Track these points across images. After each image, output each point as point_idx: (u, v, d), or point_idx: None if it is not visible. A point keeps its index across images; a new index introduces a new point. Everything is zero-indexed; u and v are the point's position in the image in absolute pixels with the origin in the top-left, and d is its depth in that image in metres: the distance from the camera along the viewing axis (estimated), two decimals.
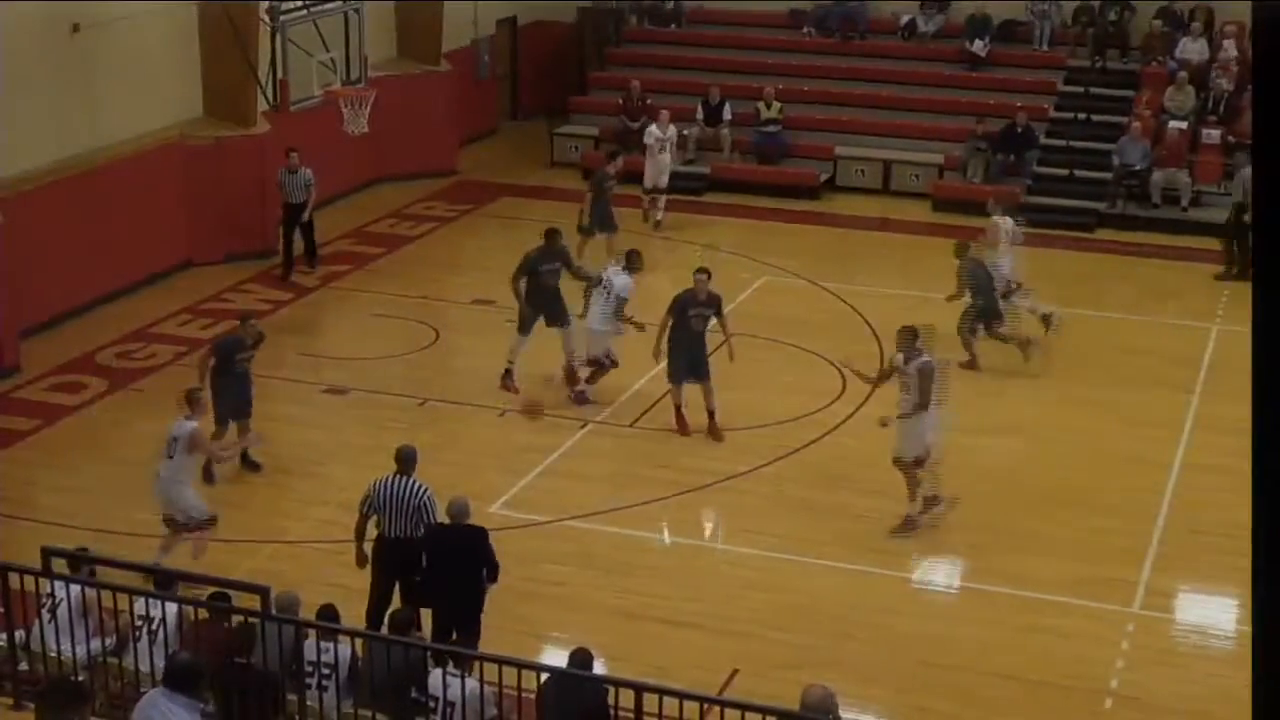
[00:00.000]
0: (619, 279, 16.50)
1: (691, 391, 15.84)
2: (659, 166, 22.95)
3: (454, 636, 10.73)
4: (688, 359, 15.71)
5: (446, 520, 11.32)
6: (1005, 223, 18.48)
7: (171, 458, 12.65)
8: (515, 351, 16.88)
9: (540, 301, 16.70)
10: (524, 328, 16.81)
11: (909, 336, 13.76)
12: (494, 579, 11.29)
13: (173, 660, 8.50)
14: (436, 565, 11.29)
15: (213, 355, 14.68)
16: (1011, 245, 18.38)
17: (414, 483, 11.64)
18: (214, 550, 13.17)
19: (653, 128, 23.20)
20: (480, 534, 11.33)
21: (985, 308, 17.53)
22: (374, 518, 11.73)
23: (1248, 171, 21.78)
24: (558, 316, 16.79)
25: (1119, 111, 24.56)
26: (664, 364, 16.31)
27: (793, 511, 14.35)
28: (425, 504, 11.54)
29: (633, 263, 16.80)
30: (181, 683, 8.11)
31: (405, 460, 11.80)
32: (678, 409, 15.86)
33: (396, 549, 11.57)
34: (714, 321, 15.92)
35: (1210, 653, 12.37)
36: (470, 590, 11.16)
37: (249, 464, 14.95)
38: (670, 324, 15.67)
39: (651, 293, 17.25)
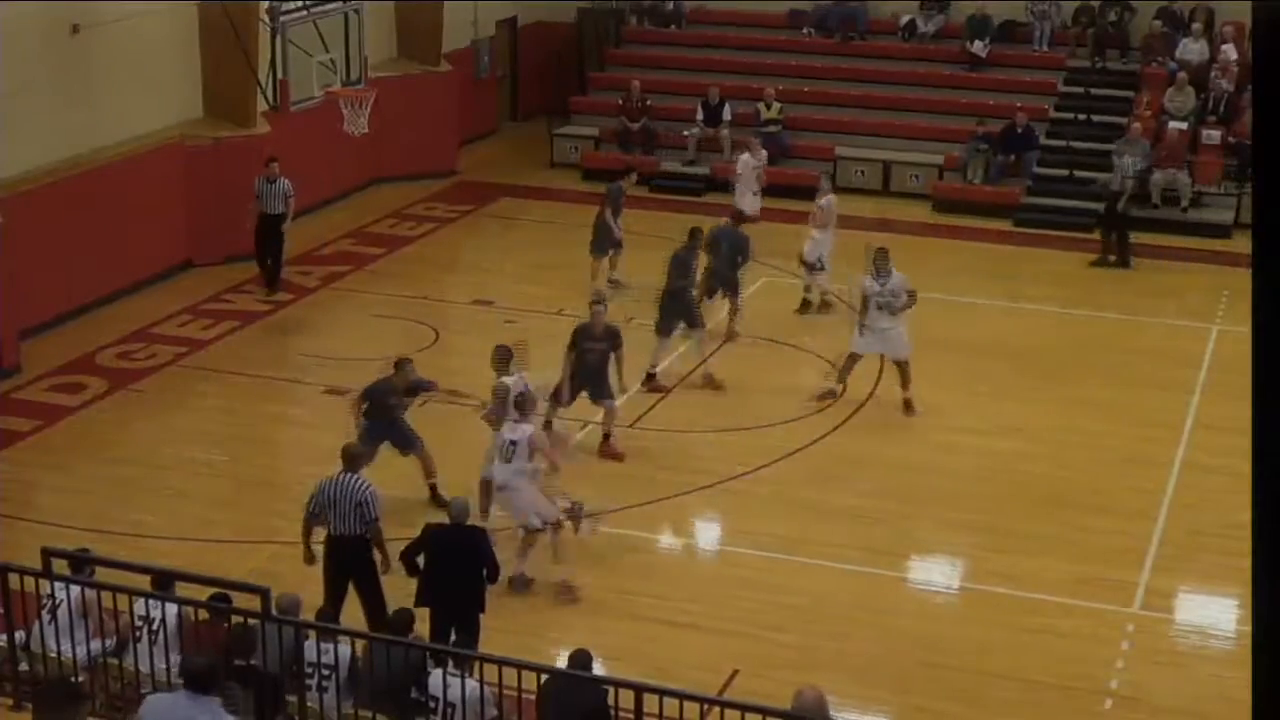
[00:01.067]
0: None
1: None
2: (749, 192, 21.60)
3: (454, 637, 10.74)
4: (584, 388, 15.30)
5: (448, 521, 11.37)
6: (832, 200, 19.18)
7: (509, 461, 12.65)
8: (658, 355, 16.98)
9: (676, 306, 16.92)
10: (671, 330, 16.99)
11: (502, 356, 14.10)
12: (494, 579, 11.37)
13: (190, 663, 8.58)
14: (437, 565, 11.30)
15: (364, 399, 14.32)
16: (831, 225, 19.05)
17: (356, 479, 11.67)
18: (214, 550, 13.19)
19: (746, 157, 21.80)
20: (480, 534, 11.38)
21: (725, 277, 17.87)
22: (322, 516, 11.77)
23: (1126, 160, 21.80)
24: (695, 319, 17.05)
25: (1119, 112, 24.56)
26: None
27: (793, 512, 14.35)
28: (366, 499, 11.53)
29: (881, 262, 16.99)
30: (204, 684, 8.21)
31: (350, 457, 11.85)
32: (609, 440, 15.39)
33: (342, 546, 11.64)
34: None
35: (1210, 653, 12.36)
36: (470, 591, 11.19)
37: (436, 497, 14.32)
38: (571, 357, 15.30)
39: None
